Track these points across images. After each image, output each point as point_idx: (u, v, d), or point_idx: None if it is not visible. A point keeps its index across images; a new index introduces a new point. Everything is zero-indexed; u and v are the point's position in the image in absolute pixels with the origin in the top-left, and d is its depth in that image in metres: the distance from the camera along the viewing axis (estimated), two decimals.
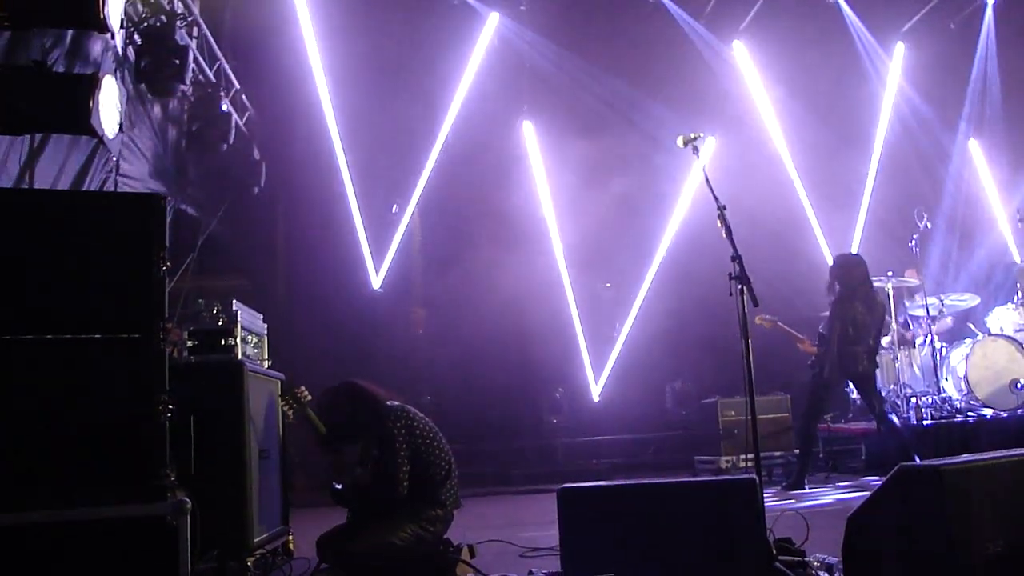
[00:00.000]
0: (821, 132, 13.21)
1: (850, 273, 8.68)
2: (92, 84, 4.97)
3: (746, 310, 4.74)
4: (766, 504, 4.23)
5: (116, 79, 5.52)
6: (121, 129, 5.65)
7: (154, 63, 7.48)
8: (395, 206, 12.14)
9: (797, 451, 9.22)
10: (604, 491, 4.06)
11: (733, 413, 10.04)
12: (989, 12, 13.58)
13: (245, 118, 10.61)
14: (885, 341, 9.62)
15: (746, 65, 13.57)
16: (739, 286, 4.73)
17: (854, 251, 12.89)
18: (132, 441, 3.71)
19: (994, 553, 3.68)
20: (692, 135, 5.17)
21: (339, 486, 5.44)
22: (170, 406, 3.78)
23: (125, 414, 3.72)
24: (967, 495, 3.75)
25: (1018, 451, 4.41)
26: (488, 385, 11.57)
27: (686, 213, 13.11)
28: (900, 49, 13.90)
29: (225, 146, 9.36)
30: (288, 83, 11.42)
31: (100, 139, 5.13)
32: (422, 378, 11.63)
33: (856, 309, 8.52)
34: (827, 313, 8.74)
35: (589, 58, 12.85)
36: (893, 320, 9.92)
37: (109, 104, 5.17)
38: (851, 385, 9.26)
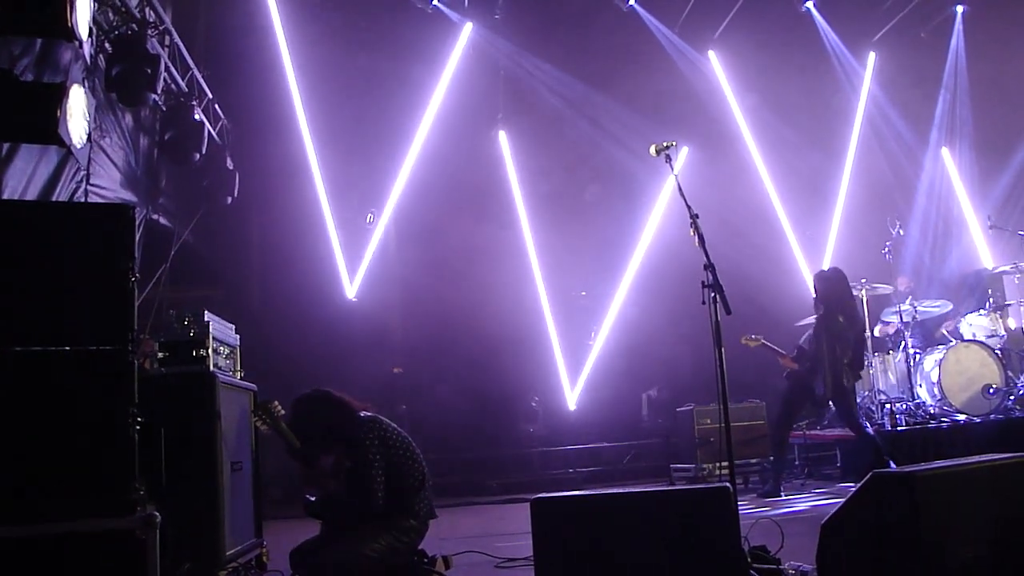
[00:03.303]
0: (794, 141, 13.31)
1: (834, 288, 8.74)
2: (60, 93, 4.91)
3: (719, 318, 4.75)
4: (741, 512, 4.22)
5: (85, 88, 5.46)
6: (90, 139, 5.59)
7: (125, 72, 7.40)
8: (370, 215, 12.09)
9: (771, 458, 9.25)
10: (578, 501, 4.03)
11: (709, 421, 10.05)
12: (959, 21, 13.75)
13: (218, 128, 10.55)
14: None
15: (720, 74, 13.64)
16: (712, 294, 4.74)
17: (827, 258, 13.06)
18: (101, 454, 3.66)
19: (967, 559, 3.70)
20: (665, 144, 5.18)
21: (312, 498, 5.40)
22: (139, 418, 3.72)
23: (94, 426, 3.67)
24: (940, 501, 3.76)
25: (990, 456, 4.44)
26: (463, 394, 11.53)
27: (661, 221, 13.16)
28: (872, 58, 14.03)
29: (198, 156, 9.29)
30: (261, 93, 11.38)
31: (68, 149, 5.07)
32: (397, 388, 11.57)
33: (839, 324, 8.58)
34: (803, 323, 8.76)
35: (564, 67, 12.89)
36: (868, 328, 9.98)
37: (77, 113, 5.11)
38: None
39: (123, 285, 3.72)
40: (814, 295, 8.86)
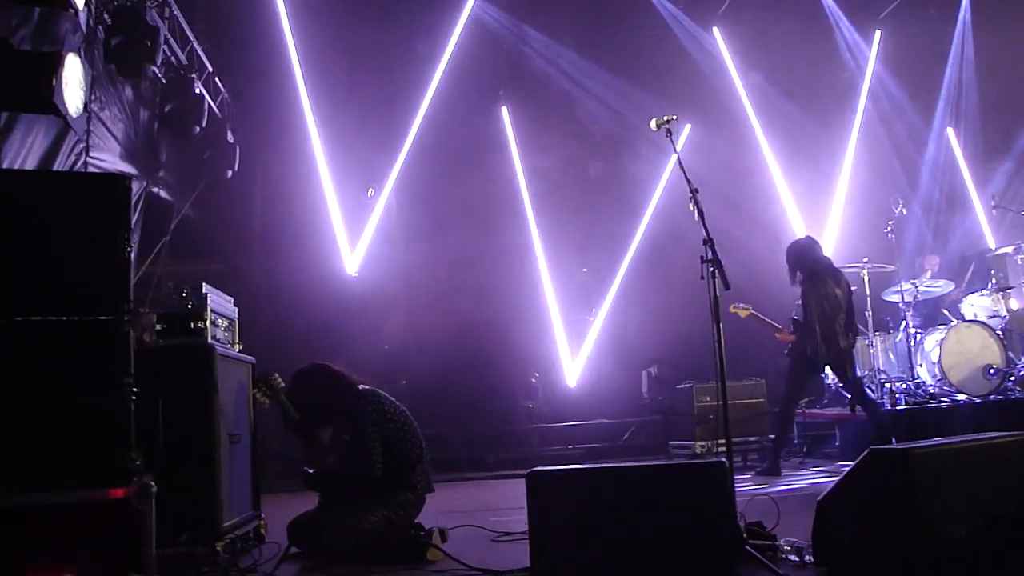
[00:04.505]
0: (798, 119, 13.25)
1: (806, 255, 8.69)
2: (55, 62, 4.88)
3: (718, 293, 4.72)
4: (739, 489, 4.24)
5: (81, 58, 5.42)
6: (87, 110, 5.56)
7: (124, 43, 7.37)
8: (371, 190, 12.05)
9: (772, 436, 9.25)
10: (573, 475, 4.03)
11: (708, 398, 10.05)
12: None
13: (219, 101, 10.52)
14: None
15: (724, 51, 13.56)
16: (711, 269, 4.71)
17: (829, 236, 13.03)
18: (96, 424, 3.66)
19: (962, 535, 3.70)
20: (665, 118, 5.14)
21: (311, 471, 5.42)
22: (135, 389, 3.72)
23: (89, 397, 3.66)
24: (935, 478, 3.76)
25: (986, 435, 4.44)
26: (464, 370, 11.55)
27: (663, 198, 13.11)
28: (878, 36, 13.92)
29: (198, 129, 9.27)
30: (263, 66, 11.33)
31: (64, 118, 5.04)
32: (397, 363, 11.58)
33: (827, 283, 8.53)
34: (800, 301, 8.73)
35: (567, 43, 12.82)
36: (868, 307, 9.95)
37: (73, 82, 5.08)
38: (827, 369, 9.24)
39: (119, 255, 3.71)
40: (789, 268, 8.78)
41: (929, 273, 10.39)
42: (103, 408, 3.66)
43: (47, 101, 4.81)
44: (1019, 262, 10.42)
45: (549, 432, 11.95)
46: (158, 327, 5.30)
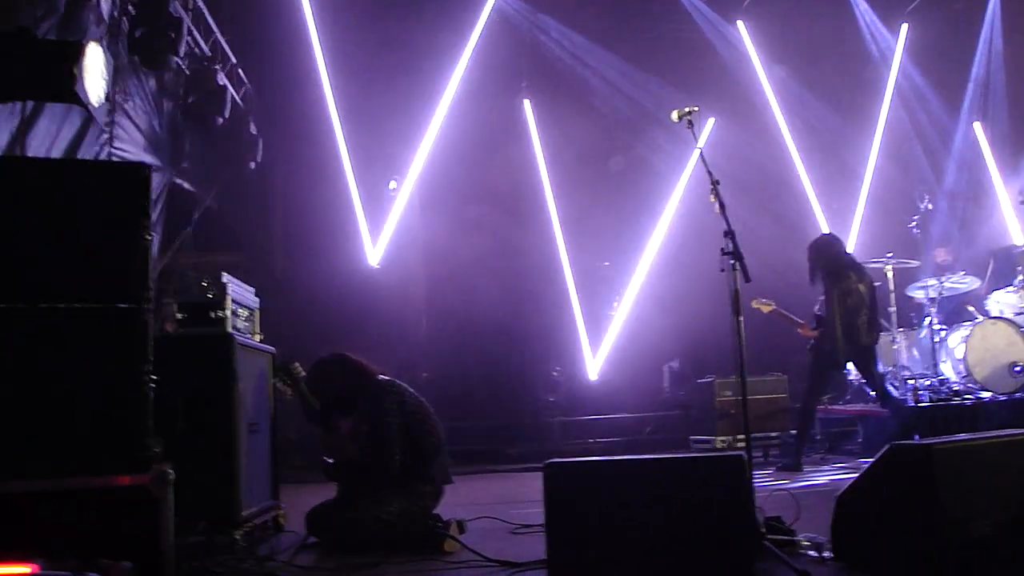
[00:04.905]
0: (823, 113, 13.15)
1: (827, 252, 8.65)
2: (76, 51, 4.90)
3: (739, 286, 4.69)
4: (759, 484, 4.20)
5: (104, 48, 5.44)
6: (110, 100, 5.59)
7: (147, 34, 7.40)
8: (393, 182, 12.06)
9: (794, 432, 9.20)
10: (591, 467, 4.02)
11: (730, 393, 10.00)
12: None
13: (242, 92, 10.54)
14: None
15: (749, 44, 13.45)
16: (731, 261, 4.68)
17: (854, 232, 12.94)
18: (115, 411, 3.68)
19: (984, 533, 3.66)
20: (687, 109, 5.09)
21: (330, 460, 5.43)
22: (154, 376, 3.74)
23: (108, 384, 3.68)
24: (957, 474, 3.72)
25: (1009, 432, 4.38)
26: (485, 363, 11.55)
27: (685, 191, 13.04)
28: (904, 29, 13.78)
29: (221, 120, 9.30)
30: (285, 58, 11.34)
31: (85, 106, 5.06)
32: (419, 355, 11.59)
33: (850, 279, 8.47)
34: (823, 297, 8.66)
35: (589, 35, 12.77)
36: (892, 303, 9.86)
37: (95, 71, 5.09)
38: (850, 365, 9.16)
39: (138, 243, 3.73)
40: (809, 265, 8.72)
41: (946, 271, 10.26)
42: (122, 395, 3.68)
43: (68, 90, 4.84)
44: None
45: (570, 425, 11.92)
46: (178, 316, 5.33)
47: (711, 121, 12.90)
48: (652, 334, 12.23)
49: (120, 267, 3.71)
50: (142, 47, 7.53)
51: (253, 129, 10.43)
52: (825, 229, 12.93)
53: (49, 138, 6.40)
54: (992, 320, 9.74)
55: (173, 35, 7.58)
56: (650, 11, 12.95)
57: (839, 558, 4.07)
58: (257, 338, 6.02)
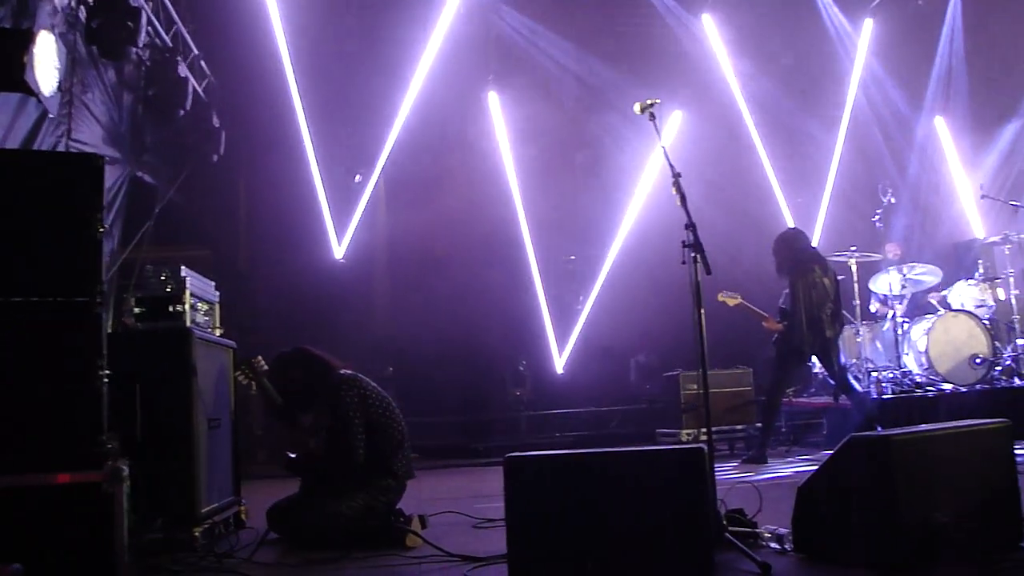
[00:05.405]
0: (788, 107, 13.20)
1: (792, 246, 8.73)
2: (26, 39, 4.80)
3: (699, 278, 4.69)
4: (723, 476, 4.21)
5: (56, 36, 5.33)
6: (65, 90, 5.48)
7: (105, 24, 7.27)
8: (358, 175, 11.97)
9: (759, 424, 9.25)
10: (552, 460, 4.00)
11: (695, 386, 10.04)
12: None
13: (204, 84, 10.40)
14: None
15: (714, 39, 13.47)
16: (692, 254, 4.67)
17: (818, 225, 13.03)
18: (68, 407, 3.62)
19: (942, 523, 3.68)
20: (648, 101, 5.08)
21: (293, 455, 5.38)
22: (107, 371, 3.67)
23: (61, 379, 3.62)
24: (915, 465, 3.75)
25: (968, 422, 4.42)
26: (450, 357, 11.51)
27: (651, 185, 13.04)
28: (868, 25, 13.86)
29: (182, 112, 9.18)
30: (249, 49, 11.18)
31: (36, 96, 4.95)
32: (384, 350, 11.53)
33: (815, 272, 8.54)
34: (788, 290, 8.71)
35: (556, 29, 12.71)
36: (856, 295, 9.93)
37: (46, 60, 4.99)
38: (814, 358, 9.21)
39: (91, 236, 3.66)
40: (775, 259, 8.78)
41: (895, 265, 10.35)
42: (75, 391, 3.62)
43: (17, 79, 4.73)
44: (1006, 252, 10.40)
45: (537, 420, 11.92)
46: (136, 310, 5.25)
47: (677, 114, 12.93)
48: (618, 328, 12.25)
49: (72, 260, 3.64)
50: (100, 37, 7.39)
51: (216, 121, 10.28)
52: (790, 223, 13.03)
53: (3, 128, 6.26)
54: (953, 313, 9.85)
55: (131, 25, 7.44)
56: (617, 5, 12.92)
57: (800, 549, 4.09)
58: (218, 332, 5.96)
